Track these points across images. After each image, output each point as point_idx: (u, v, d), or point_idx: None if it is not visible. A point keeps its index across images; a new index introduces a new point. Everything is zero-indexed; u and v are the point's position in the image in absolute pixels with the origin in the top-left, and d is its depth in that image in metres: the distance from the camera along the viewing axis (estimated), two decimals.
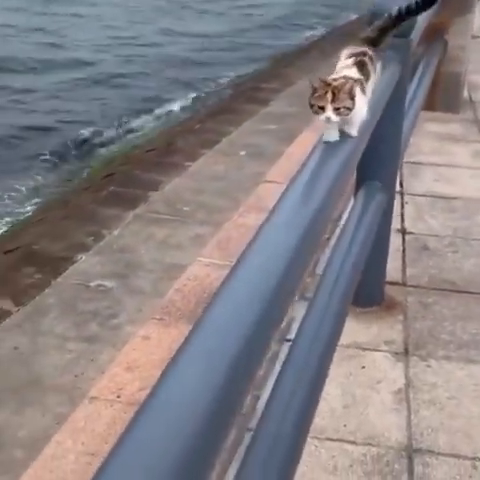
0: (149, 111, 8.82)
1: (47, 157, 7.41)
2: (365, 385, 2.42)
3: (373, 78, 1.65)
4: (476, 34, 5.78)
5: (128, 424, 0.72)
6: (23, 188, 6.65)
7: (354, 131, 1.53)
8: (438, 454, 2.15)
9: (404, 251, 3.20)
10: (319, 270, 2.67)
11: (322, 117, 1.45)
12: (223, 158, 5.61)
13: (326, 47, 10.65)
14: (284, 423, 1.43)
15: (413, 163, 4.03)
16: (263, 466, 1.31)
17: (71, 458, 2.05)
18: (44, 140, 7.85)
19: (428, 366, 2.53)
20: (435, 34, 4.52)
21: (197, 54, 11.86)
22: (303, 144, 4.13)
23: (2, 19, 13.26)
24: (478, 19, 5.84)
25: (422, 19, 3.03)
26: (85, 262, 3.74)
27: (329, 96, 1.43)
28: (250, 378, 0.88)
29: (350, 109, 1.46)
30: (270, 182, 3.85)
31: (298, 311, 2.34)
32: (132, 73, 10.70)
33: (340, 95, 1.43)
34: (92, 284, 3.45)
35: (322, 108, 1.44)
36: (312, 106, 1.47)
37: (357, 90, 1.49)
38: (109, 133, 8.08)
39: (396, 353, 2.59)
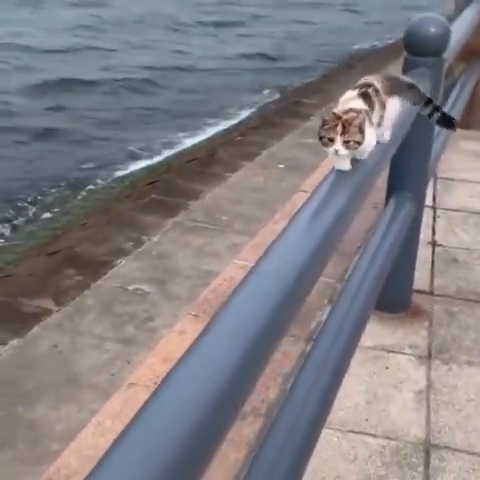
0: (196, 124, 9.07)
1: (91, 165, 7.69)
2: (388, 384, 2.58)
3: (378, 110, 1.66)
4: None
5: (129, 422, 0.74)
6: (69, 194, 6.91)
7: (366, 156, 1.56)
8: (454, 450, 2.30)
9: (433, 262, 3.34)
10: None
11: (331, 149, 1.47)
12: (262, 170, 5.79)
13: (371, 63, 10.85)
14: (300, 418, 1.53)
15: (446, 179, 4.18)
16: (276, 458, 1.40)
17: (109, 437, 2.25)
18: (89, 150, 8.15)
19: (449, 370, 2.67)
20: (474, 54, 4.67)
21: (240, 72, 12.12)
22: None
23: None
24: None
25: (457, 38, 3.20)
26: (124, 266, 3.92)
27: (339, 129, 1.45)
28: (253, 379, 0.94)
29: (359, 143, 1.48)
30: (305, 192, 4.03)
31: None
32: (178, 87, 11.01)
33: (350, 128, 1.45)
34: (130, 288, 3.61)
35: (331, 140, 1.46)
36: (321, 138, 1.48)
37: (366, 123, 1.50)
38: (154, 145, 8.35)
39: (420, 356, 2.74)
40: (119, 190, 6.97)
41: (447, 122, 2.09)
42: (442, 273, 3.27)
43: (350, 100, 1.59)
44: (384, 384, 2.58)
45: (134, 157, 7.97)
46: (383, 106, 1.68)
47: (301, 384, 1.64)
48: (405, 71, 2.49)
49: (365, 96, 1.62)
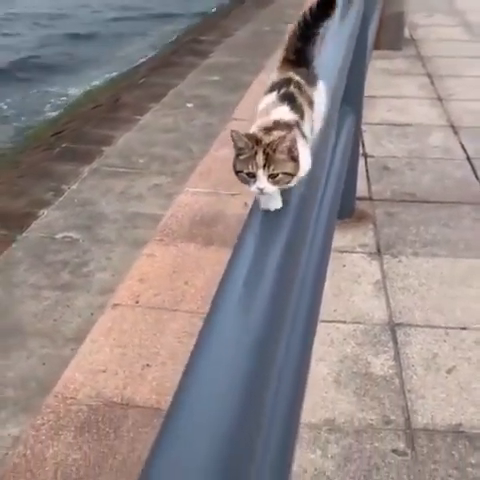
0: (91, 69, 9.04)
1: None
2: (348, 279, 2.93)
3: (309, 113, 1.30)
4: None
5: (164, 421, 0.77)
6: None
7: (294, 183, 1.19)
8: (416, 326, 2.68)
9: (367, 172, 3.71)
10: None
11: (253, 188, 1.14)
12: (171, 110, 5.90)
13: None
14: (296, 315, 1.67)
15: (367, 96, 4.53)
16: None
17: (106, 351, 2.48)
18: None
19: (399, 261, 3.06)
20: None
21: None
22: (263, 80, 4.57)
23: None
24: None
25: None
26: (48, 216, 3.94)
27: (260, 158, 1.11)
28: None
29: (292, 175, 1.14)
30: (237, 120, 4.29)
31: None
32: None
33: (276, 156, 1.11)
34: (58, 236, 3.64)
35: (252, 175, 1.12)
36: (238, 173, 1.14)
37: (299, 141, 1.17)
38: (51, 92, 8.29)
39: (370, 253, 3.11)
40: (24, 143, 6.94)
41: None
42: (377, 180, 3.65)
43: (272, 108, 1.24)
44: (344, 279, 2.93)
45: (32, 109, 7.92)
46: (310, 103, 1.33)
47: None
48: None
49: (289, 98, 1.26)
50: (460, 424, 2.21)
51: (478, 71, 5.57)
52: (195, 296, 2.76)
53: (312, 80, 1.37)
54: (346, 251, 3.10)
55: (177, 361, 2.38)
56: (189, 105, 6.05)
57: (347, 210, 3.33)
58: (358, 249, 3.13)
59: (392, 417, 2.24)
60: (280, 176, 1.12)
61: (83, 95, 8.17)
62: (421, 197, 3.53)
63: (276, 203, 1.17)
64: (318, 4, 1.38)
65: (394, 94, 4.74)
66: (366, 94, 4.59)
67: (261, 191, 1.13)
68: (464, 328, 2.66)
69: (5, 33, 10.84)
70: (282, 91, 1.27)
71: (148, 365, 2.41)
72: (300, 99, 1.28)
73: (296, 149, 1.14)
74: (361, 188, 3.52)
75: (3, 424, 2.29)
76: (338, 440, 2.16)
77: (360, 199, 3.45)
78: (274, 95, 1.27)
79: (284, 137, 1.11)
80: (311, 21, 1.37)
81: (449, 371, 2.44)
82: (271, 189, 1.13)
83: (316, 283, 2.04)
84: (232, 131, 1.12)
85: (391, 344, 2.59)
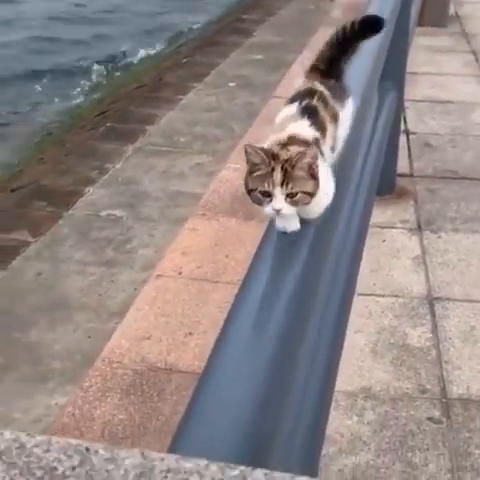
0: (135, 50, 9.15)
1: (35, 100, 7.75)
2: (387, 254, 2.99)
3: (331, 131, 1.19)
4: None
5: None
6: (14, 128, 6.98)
7: (317, 215, 1.11)
8: (454, 300, 2.73)
9: (409, 149, 3.75)
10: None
11: (268, 209, 1.04)
12: (214, 90, 5.97)
13: None
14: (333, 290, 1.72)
15: (409, 73, 4.55)
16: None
17: (150, 319, 2.59)
18: (31, 81, 8.17)
19: (439, 237, 3.10)
20: None
21: None
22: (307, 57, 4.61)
23: None
24: None
25: None
26: (93, 194, 4.06)
27: (278, 176, 1.01)
28: None
29: (311, 194, 1.04)
30: (278, 98, 4.34)
31: None
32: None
33: (295, 173, 1.02)
34: (102, 214, 3.74)
35: (267, 194, 1.03)
36: (250, 191, 1.04)
37: (319, 160, 1.06)
38: (97, 72, 8.43)
39: (411, 229, 3.15)
40: (70, 123, 7.08)
41: None
42: (419, 157, 3.68)
43: (290, 121, 1.14)
44: (384, 254, 2.98)
45: (77, 89, 8.07)
46: (335, 119, 1.21)
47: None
48: None
49: (311, 112, 1.15)
50: None
51: None
52: (236, 268, 2.84)
53: (340, 94, 1.26)
54: (386, 227, 3.15)
55: (218, 330, 2.47)
56: (231, 84, 6.09)
57: (388, 186, 3.37)
58: (398, 225, 3.18)
59: (428, 386, 2.30)
60: (299, 196, 1.03)
61: (127, 75, 8.29)
62: (463, 174, 3.55)
63: (294, 224, 1.07)
64: (363, 21, 1.29)
65: (437, 71, 4.74)
66: (409, 70, 4.63)
67: (277, 212, 1.03)
68: None
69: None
70: (304, 103, 1.16)
71: (190, 333, 2.51)
72: (323, 114, 1.17)
73: (317, 166, 1.04)
74: (403, 165, 3.56)
75: (50, 394, 2.41)
76: (374, 407, 2.23)
77: (401, 176, 3.48)
78: (295, 106, 1.17)
79: (304, 153, 1.02)
80: (351, 36, 1.28)
81: None
82: (289, 210, 1.03)
83: (353, 258, 2.09)
84: (246, 145, 1.03)
85: (429, 317, 2.64)
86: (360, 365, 2.38)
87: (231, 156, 3.75)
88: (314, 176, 1.03)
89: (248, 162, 1.04)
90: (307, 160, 1.02)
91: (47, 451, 0.52)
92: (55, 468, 0.52)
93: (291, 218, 1.06)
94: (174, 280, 2.79)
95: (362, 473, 2.02)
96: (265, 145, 1.07)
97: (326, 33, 1.33)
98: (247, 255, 2.95)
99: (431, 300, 2.73)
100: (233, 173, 3.48)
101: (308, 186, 1.03)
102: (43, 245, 3.48)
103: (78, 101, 7.77)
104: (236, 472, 0.49)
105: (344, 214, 1.81)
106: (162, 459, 0.51)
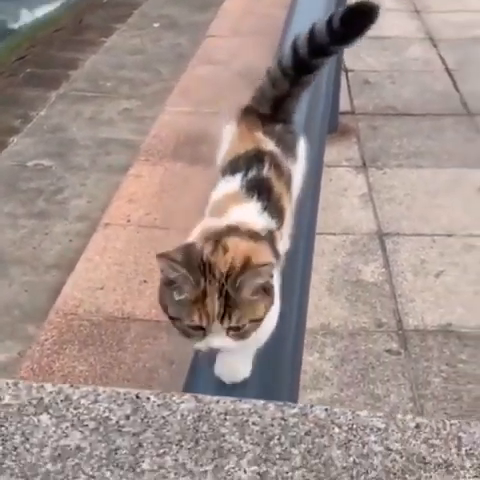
0: None
1: None
2: (335, 193, 3.01)
3: (289, 210, 0.91)
4: None
5: None
6: None
7: (259, 346, 0.82)
8: (403, 235, 2.79)
9: (349, 87, 3.76)
10: None
11: (200, 345, 0.77)
12: (138, 31, 5.79)
13: None
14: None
15: None
16: None
17: (103, 268, 2.56)
18: None
19: (384, 173, 3.14)
20: None
21: None
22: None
23: None
24: None
25: None
26: (18, 144, 3.88)
27: (214, 306, 0.73)
28: None
29: (262, 319, 0.77)
30: (214, 36, 4.28)
31: None
32: None
33: (241, 297, 0.73)
34: (29, 164, 3.59)
35: (199, 328, 0.75)
36: (172, 318, 0.76)
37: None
38: (10, 17, 8.07)
39: (356, 167, 3.19)
40: None
41: None
42: (359, 94, 3.70)
43: (231, 203, 0.84)
44: (332, 193, 3.01)
45: None
46: (289, 187, 0.94)
47: None
48: None
49: (260, 188, 0.86)
50: (450, 324, 2.34)
51: None
52: (185, 214, 2.82)
53: (291, 144, 0.97)
54: (332, 166, 3.17)
55: None
56: (156, 25, 5.91)
57: (332, 125, 3.38)
58: (344, 163, 3.21)
59: (384, 320, 2.36)
60: (248, 326, 0.75)
61: (42, 17, 7.96)
62: (403, 110, 3.60)
63: (243, 369, 0.79)
64: (344, 17, 0.93)
65: None
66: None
67: (210, 350, 0.76)
68: (450, 235, 2.77)
69: None
70: (250, 175, 0.86)
71: (145, 281, 2.49)
72: (278, 188, 0.87)
73: (272, 283, 0.77)
74: (343, 102, 3.57)
75: None
76: (334, 343, 2.28)
77: (343, 113, 3.50)
78: (238, 180, 0.86)
79: (256, 271, 0.73)
80: (326, 41, 0.95)
81: (437, 275, 2.56)
82: (232, 345, 0.76)
83: (314, 199, 2.11)
84: (158, 255, 0.73)
85: (380, 252, 2.70)
86: (317, 303, 2.42)
87: (169, 99, 3.69)
88: (268, 292, 0.77)
89: (162, 273, 0.75)
90: (259, 281, 0.74)
91: (95, 402, 0.50)
92: (108, 418, 0.50)
93: (238, 358, 0.78)
94: (123, 228, 2.76)
95: None
96: (192, 238, 0.80)
97: None
98: (195, 200, 2.94)
99: (381, 236, 2.78)
100: (173, 116, 3.42)
101: (259, 310, 0.75)
102: None
103: None
104: (295, 410, 0.48)
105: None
106: (217, 402, 0.50)
